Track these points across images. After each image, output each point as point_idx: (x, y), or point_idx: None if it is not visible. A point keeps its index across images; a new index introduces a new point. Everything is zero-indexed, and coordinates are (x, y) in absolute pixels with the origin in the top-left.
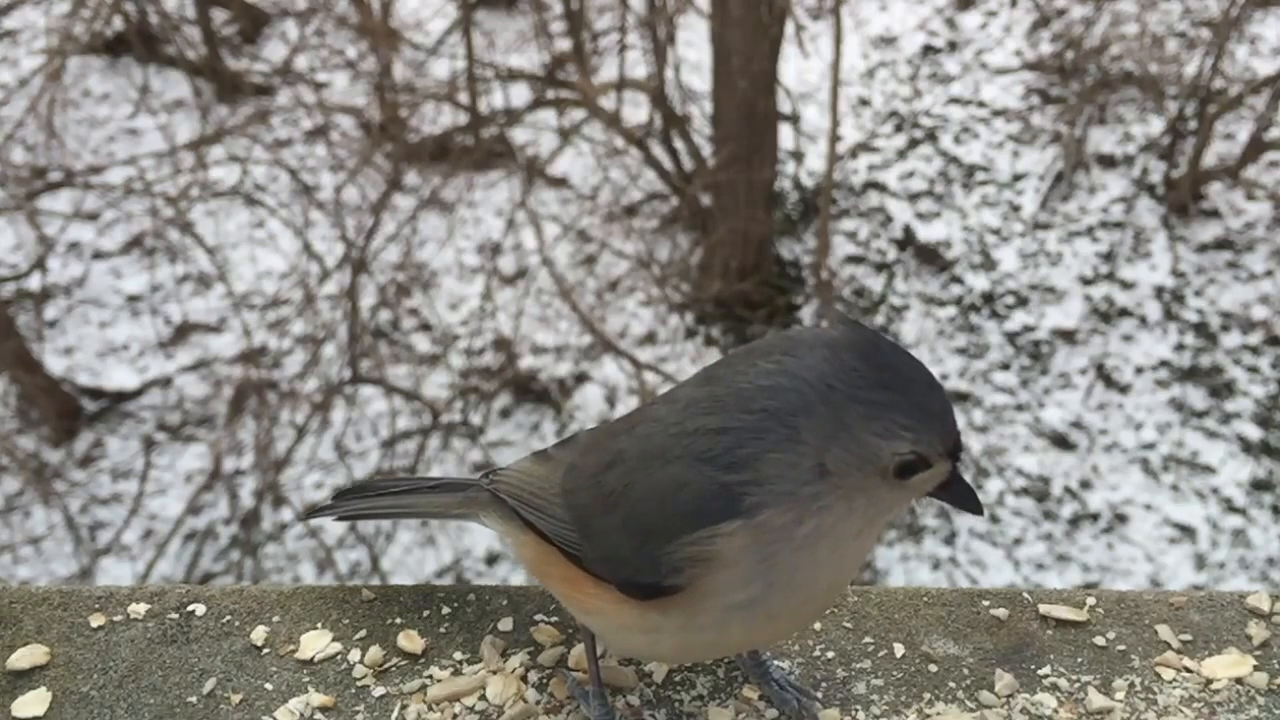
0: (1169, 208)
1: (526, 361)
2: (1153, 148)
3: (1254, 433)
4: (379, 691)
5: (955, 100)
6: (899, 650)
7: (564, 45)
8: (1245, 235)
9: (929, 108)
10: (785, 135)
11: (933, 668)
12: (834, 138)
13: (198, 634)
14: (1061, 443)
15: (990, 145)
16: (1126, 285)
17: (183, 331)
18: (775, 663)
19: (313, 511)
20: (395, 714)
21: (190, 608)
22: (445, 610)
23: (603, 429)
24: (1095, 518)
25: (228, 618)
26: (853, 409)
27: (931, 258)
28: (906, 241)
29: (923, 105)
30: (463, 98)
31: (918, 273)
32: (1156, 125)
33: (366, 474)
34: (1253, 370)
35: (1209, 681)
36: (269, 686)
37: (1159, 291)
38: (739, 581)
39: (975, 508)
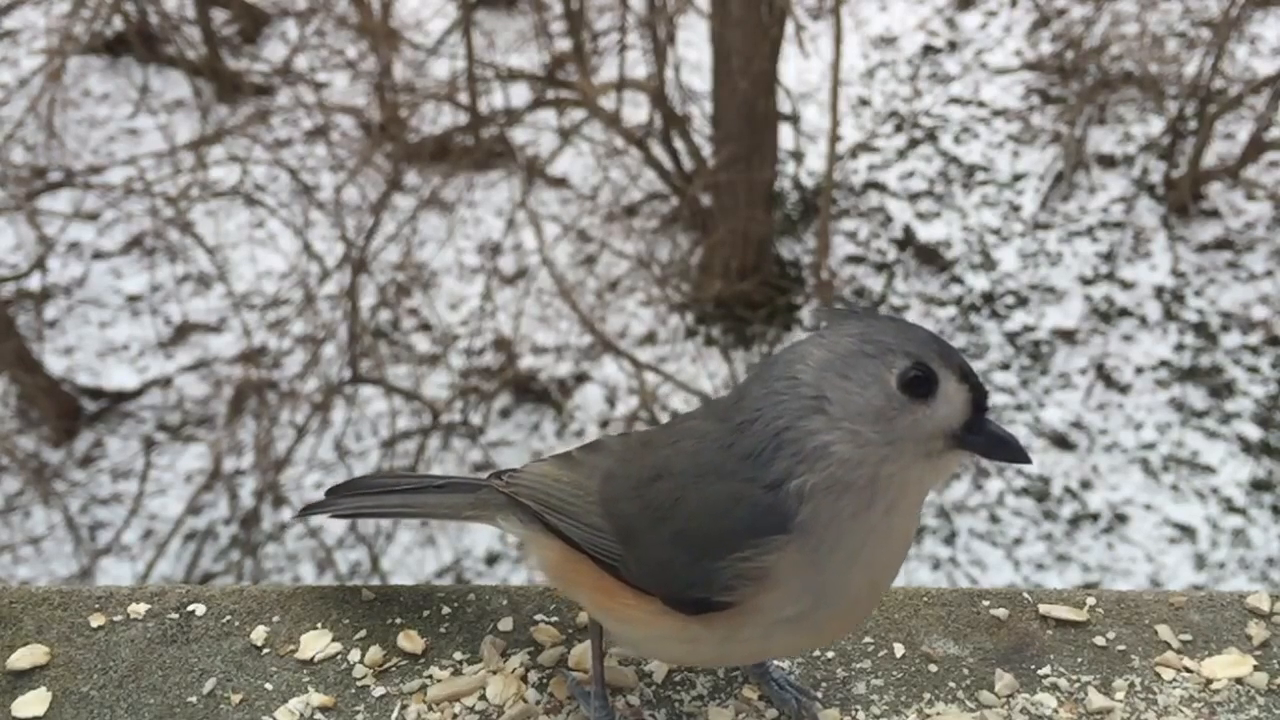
0: (1169, 208)
1: (526, 361)
2: (1153, 148)
3: (1254, 433)
4: (379, 691)
5: (955, 100)
6: (899, 650)
7: (564, 45)
8: (1245, 235)
9: (929, 108)
10: (785, 135)
11: (933, 668)
12: (834, 138)
13: (198, 634)
14: (1062, 443)
15: (990, 145)
16: (1126, 285)
17: (183, 331)
18: (774, 662)
19: (308, 509)
20: (395, 714)
21: (190, 608)
22: (445, 610)
23: (637, 437)
24: (1095, 518)
25: (228, 618)
26: (858, 365)
27: (931, 258)
28: (906, 241)
29: (923, 105)
30: (463, 98)
31: (918, 273)
32: (1156, 125)
33: (366, 473)
34: (1253, 370)
35: (1209, 681)
36: (269, 686)
37: (1159, 291)
38: (788, 599)
39: (1020, 455)
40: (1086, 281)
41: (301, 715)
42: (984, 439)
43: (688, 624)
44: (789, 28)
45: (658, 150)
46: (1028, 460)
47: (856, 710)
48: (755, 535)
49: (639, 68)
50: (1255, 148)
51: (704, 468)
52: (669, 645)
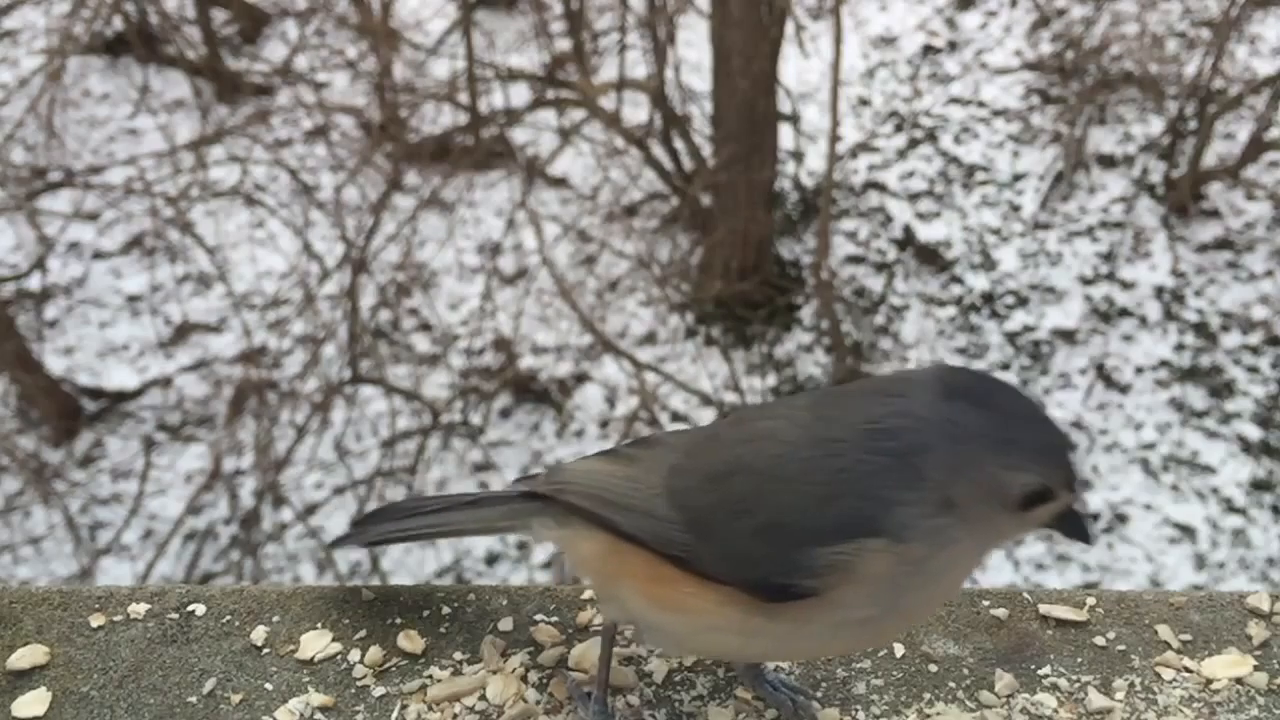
0: (1169, 208)
1: (526, 361)
2: (1153, 148)
3: (1254, 433)
4: (379, 691)
5: (955, 100)
6: (899, 650)
7: (564, 45)
8: (1245, 235)
9: (929, 108)
10: (785, 135)
11: (933, 668)
12: (834, 138)
13: (198, 634)
14: None
15: (990, 145)
16: (1126, 285)
17: (183, 331)
18: (770, 664)
19: (340, 541)
20: (395, 714)
21: (190, 608)
22: (445, 610)
23: (700, 433)
24: (1095, 518)
25: (228, 618)
26: (978, 444)
27: (931, 258)
28: (906, 241)
29: (923, 105)
30: (463, 98)
31: (918, 273)
32: (1156, 125)
33: (366, 474)
34: (1253, 370)
35: (1209, 681)
36: (269, 686)
37: (1159, 291)
38: (866, 599)
39: (1086, 537)
40: (1086, 281)
41: (301, 715)
42: (1064, 525)
43: (751, 615)
44: (789, 28)
45: (658, 150)
46: (1091, 542)
47: (856, 710)
48: (851, 534)
49: (639, 68)
50: (1255, 148)
51: (791, 468)
52: (720, 638)
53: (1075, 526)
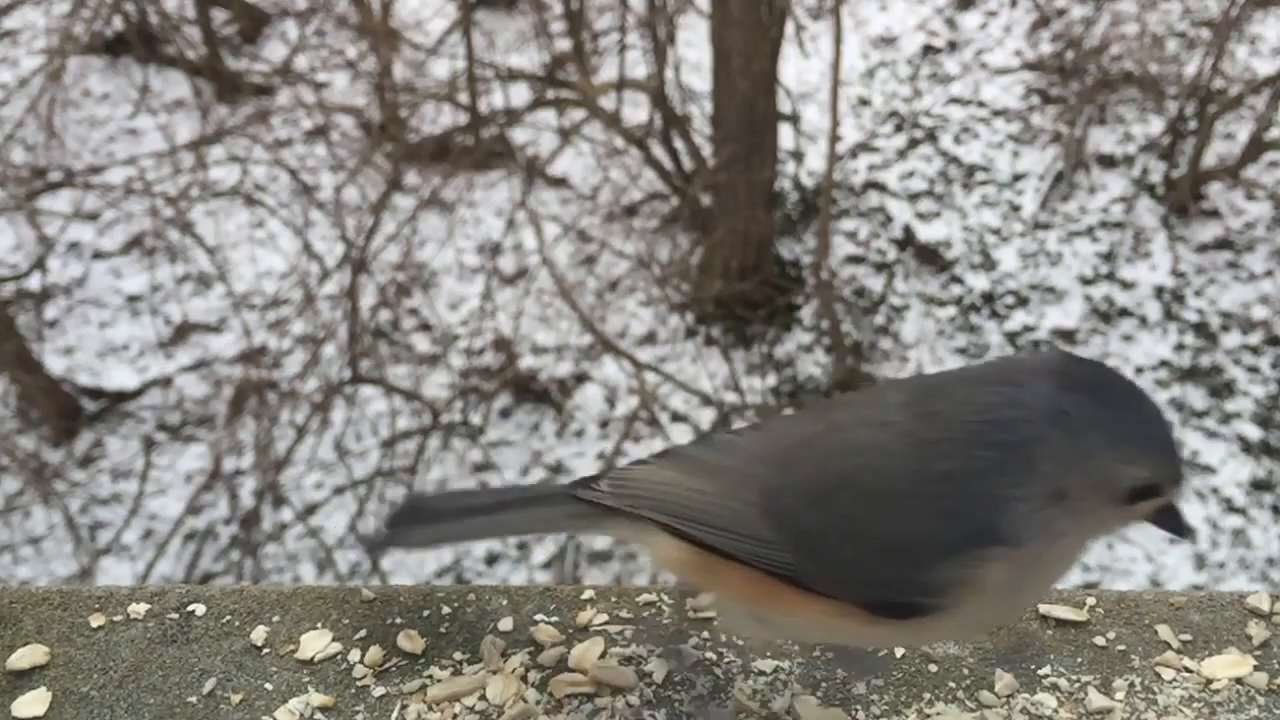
0: (1169, 208)
1: (526, 361)
2: (1153, 148)
3: (1254, 433)
4: (379, 691)
5: (955, 100)
6: (899, 650)
7: (564, 45)
8: (1245, 235)
9: (929, 108)
10: (785, 135)
11: (933, 668)
12: (834, 138)
13: (198, 634)
14: None
15: (990, 145)
16: (1126, 285)
17: (183, 331)
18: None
19: (380, 544)
20: (395, 714)
21: (190, 608)
22: (445, 610)
23: (788, 439)
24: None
25: (228, 618)
26: (1091, 436)
27: (931, 258)
28: (906, 241)
29: (923, 105)
30: (463, 98)
31: (918, 273)
32: (1156, 125)
33: (366, 473)
34: (1253, 370)
35: (1209, 681)
36: (269, 686)
37: (1159, 291)
38: (986, 605)
39: (1182, 531)
40: (1086, 281)
41: (301, 715)
42: (1163, 519)
43: (869, 626)
44: (789, 28)
45: (658, 150)
46: (1186, 537)
47: (856, 710)
48: (970, 545)
49: (639, 68)
50: (1255, 148)
51: (900, 489)
52: (833, 637)
53: (1173, 521)
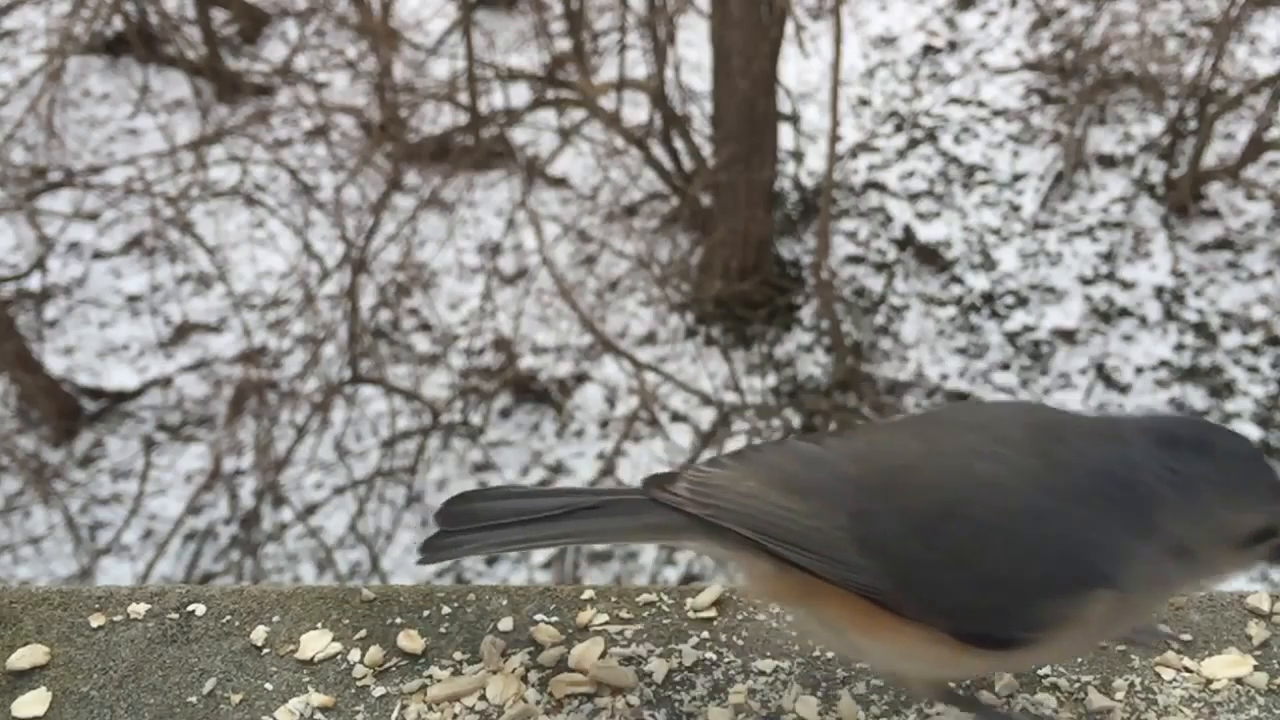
0: (1169, 208)
1: (526, 361)
2: (1153, 148)
3: (1254, 433)
4: (379, 691)
5: (955, 100)
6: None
7: (564, 45)
8: (1245, 235)
9: (929, 108)
10: (785, 135)
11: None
12: (834, 138)
13: (198, 634)
14: None
15: (990, 145)
16: (1126, 285)
17: (183, 331)
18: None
19: (437, 550)
20: (395, 714)
21: (190, 608)
22: (445, 610)
23: (886, 459)
24: None
25: (228, 618)
26: (1205, 492)
27: (931, 258)
28: (906, 241)
29: (923, 105)
30: (463, 98)
31: (918, 273)
32: (1156, 125)
33: (366, 473)
34: (1253, 370)
35: (1209, 681)
36: (269, 686)
37: (1159, 291)
38: (1081, 639)
39: None
40: (1086, 281)
41: (301, 715)
42: (1276, 554)
43: (961, 654)
44: (789, 28)
45: (658, 150)
46: None
47: (857, 710)
48: (1081, 587)
49: (639, 68)
50: (1255, 148)
51: (1018, 520)
52: (922, 665)
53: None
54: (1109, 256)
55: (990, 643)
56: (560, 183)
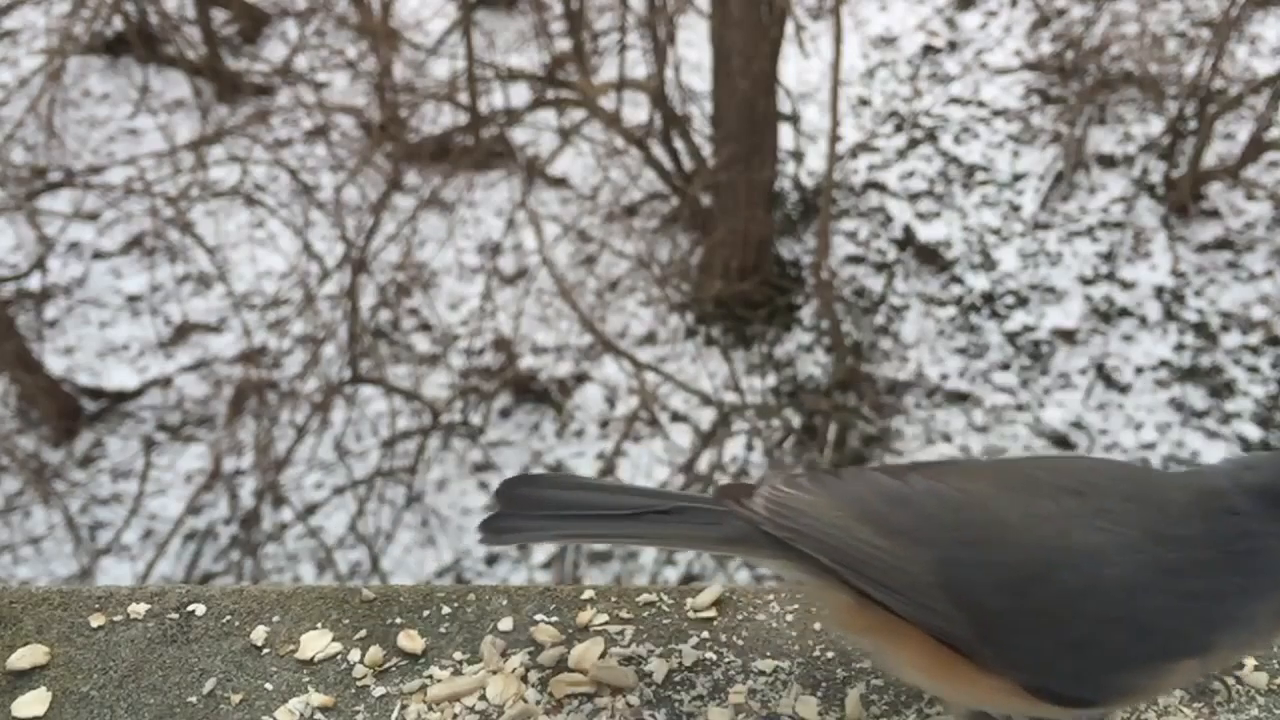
0: (1169, 208)
1: (526, 361)
2: (1153, 148)
3: (1254, 433)
4: (379, 691)
5: (955, 100)
6: None
7: (564, 45)
8: (1245, 235)
9: (929, 108)
10: (785, 135)
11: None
12: (834, 138)
13: (198, 634)
14: (1062, 443)
15: (990, 145)
16: (1126, 285)
17: (183, 331)
18: None
19: (497, 531)
20: (395, 714)
21: (190, 608)
22: (445, 610)
23: (973, 510)
24: None
25: (228, 618)
26: None
27: (931, 258)
28: (906, 241)
29: (923, 105)
30: (463, 98)
31: (918, 273)
32: (1156, 125)
33: (366, 473)
34: (1253, 370)
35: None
36: (269, 686)
37: (1159, 291)
38: (1152, 698)
39: None
40: (1086, 281)
41: (301, 715)
42: None
43: (1036, 705)
44: (789, 28)
45: (658, 150)
46: None
47: (857, 710)
48: (1175, 657)
49: (639, 68)
50: (1255, 148)
51: (1117, 592)
52: (993, 711)
53: None
54: (1109, 256)
55: (1065, 701)
56: (560, 183)
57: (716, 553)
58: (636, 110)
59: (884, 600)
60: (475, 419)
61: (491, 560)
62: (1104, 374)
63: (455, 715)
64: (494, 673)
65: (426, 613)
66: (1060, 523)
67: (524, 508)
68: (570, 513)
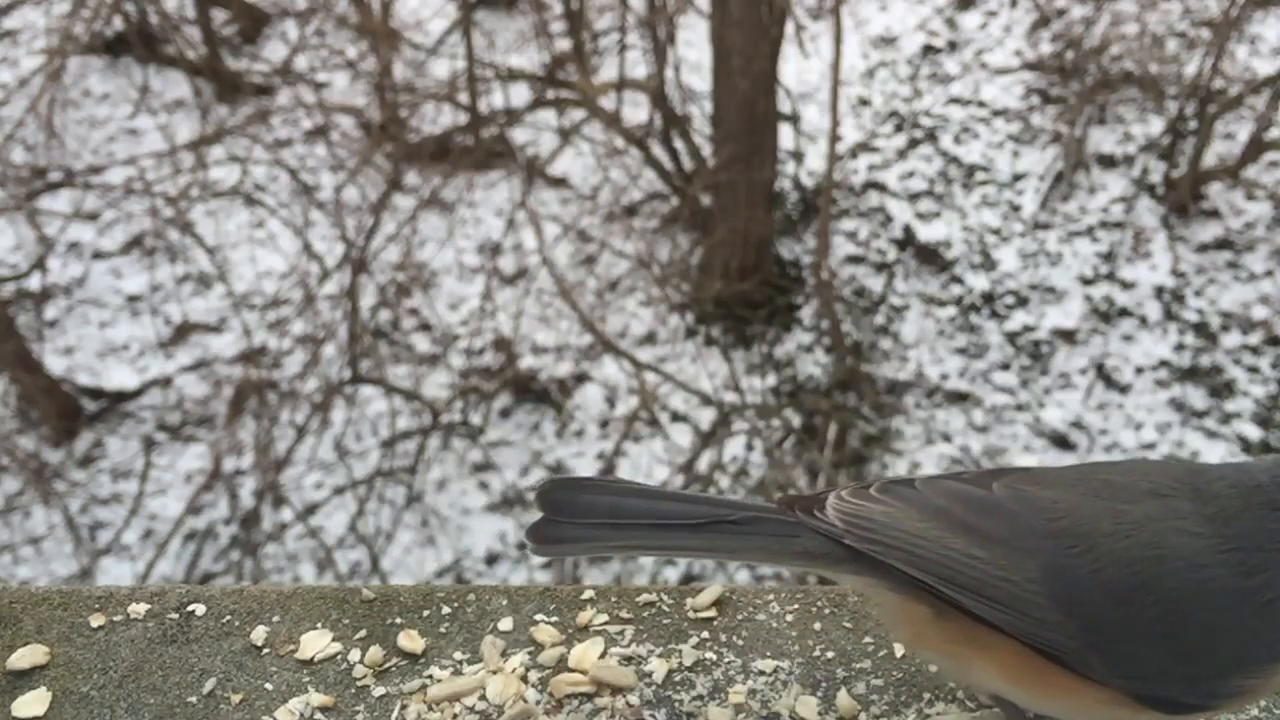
0: (1169, 208)
1: (526, 361)
2: (1153, 148)
3: (1254, 433)
4: (379, 691)
5: (955, 100)
6: (899, 650)
7: (564, 45)
8: (1245, 235)
9: (929, 108)
10: (785, 135)
11: (933, 668)
12: (834, 138)
13: (198, 634)
14: (1062, 443)
15: (990, 145)
16: (1126, 285)
17: (183, 331)
18: None
19: (547, 545)
20: (395, 714)
21: (190, 608)
22: (445, 610)
23: (1079, 520)
24: None
25: (228, 618)
26: None
27: (931, 258)
28: (906, 241)
29: (923, 105)
30: (463, 98)
31: (918, 273)
32: (1156, 125)
33: (366, 473)
34: (1253, 370)
35: None
36: (269, 686)
37: (1159, 291)
38: (1256, 701)
39: None
40: (1086, 281)
41: (301, 715)
42: None
43: (1137, 714)
44: (789, 28)
45: (658, 150)
46: None
47: (857, 711)
48: (1270, 658)
49: (639, 68)
50: (1255, 148)
51: (1221, 598)
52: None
53: None
54: (1109, 256)
55: (1176, 708)
56: (560, 183)
57: (792, 568)
58: (636, 110)
59: (980, 611)
60: (475, 419)
61: (491, 560)
62: (1104, 374)
63: (455, 715)
64: (494, 673)
65: (426, 613)
66: (1152, 527)
67: (572, 514)
68: (627, 521)
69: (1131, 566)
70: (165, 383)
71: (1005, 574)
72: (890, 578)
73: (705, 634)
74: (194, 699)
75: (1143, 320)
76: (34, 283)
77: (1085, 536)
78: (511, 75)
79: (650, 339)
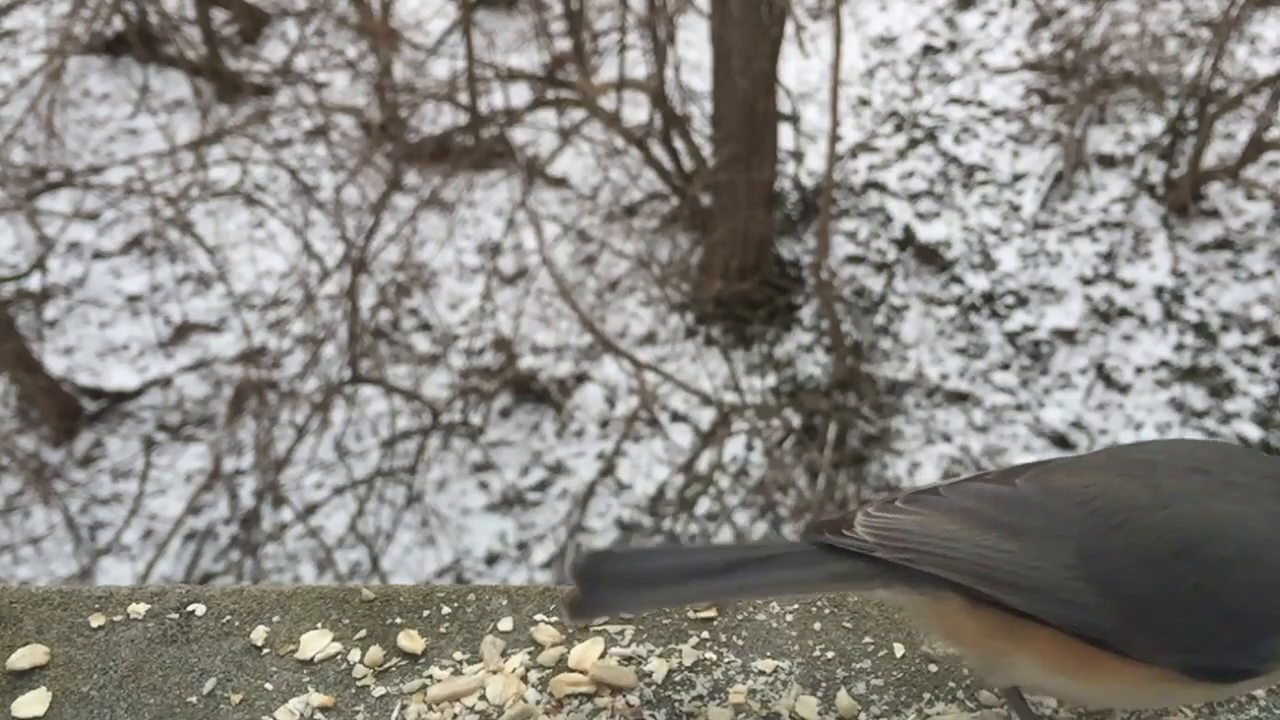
0: (1169, 208)
1: (526, 361)
2: (1153, 148)
3: (1254, 433)
4: (379, 691)
5: (955, 100)
6: (899, 650)
7: (564, 45)
8: (1245, 235)
9: (929, 108)
10: (785, 135)
11: (933, 668)
12: (834, 138)
13: (198, 634)
14: (1062, 443)
15: (990, 145)
16: (1126, 285)
17: (183, 331)
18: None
19: (587, 614)
20: (395, 714)
21: (190, 608)
22: (445, 610)
23: (1108, 502)
24: None
25: (228, 618)
26: None
27: (931, 258)
28: (906, 241)
29: (923, 105)
30: (463, 98)
31: (918, 273)
32: (1156, 125)
33: (366, 473)
34: (1253, 370)
35: None
36: (269, 686)
37: (1159, 291)
38: None
39: None
40: (1086, 281)
41: (301, 715)
42: None
43: (1185, 688)
44: (789, 28)
45: (658, 150)
46: None
47: (856, 711)
48: None
49: (639, 68)
50: (1255, 148)
51: (1264, 548)
52: (1133, 702)
53: None
54: (1109, 256)
55: (1221, 675)
56: (560, 183)
57: (823, 592)
58: (636, 110)
59: (1016, 603)
60: (475, 419)
61: (491, 560)
62: (1104, 374)
63: (455, 715)
64: (494, 673)
65: (426, 613)
66: (1196, 497)
67: (609, 586)
68: (659, 579)
69: (1167, 535)
70: (165, 383)
71: (1038, 562)
72: (923, 585)
73: (705, 634)
74: (194, 699)
75: (1143, 320)
76: (34, 283)
77: (1118, 513)
78: (511, 75)
79: (650, 339)
